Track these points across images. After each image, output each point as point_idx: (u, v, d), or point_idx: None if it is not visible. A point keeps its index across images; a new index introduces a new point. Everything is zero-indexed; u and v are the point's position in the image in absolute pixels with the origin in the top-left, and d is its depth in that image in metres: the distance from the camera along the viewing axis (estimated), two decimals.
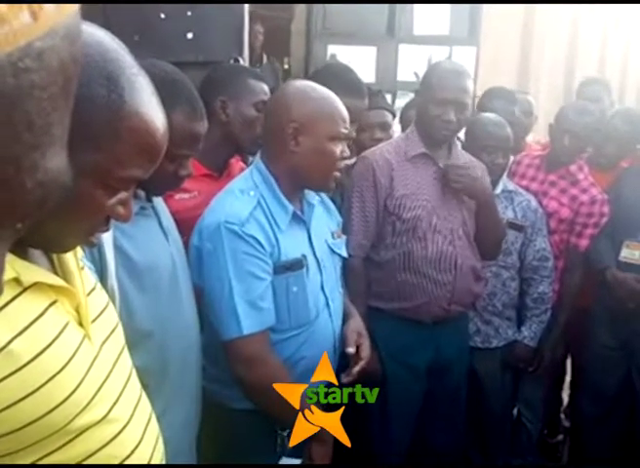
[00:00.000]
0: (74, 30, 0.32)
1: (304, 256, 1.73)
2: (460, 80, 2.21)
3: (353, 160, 2.55)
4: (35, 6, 0.29)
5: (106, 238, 1.28)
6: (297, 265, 1.70)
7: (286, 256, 1.68)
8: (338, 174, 1.74)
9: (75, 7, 0.32)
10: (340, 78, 2.20)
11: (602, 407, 2.78)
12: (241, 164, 2.25)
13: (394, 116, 2.83)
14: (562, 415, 3.37)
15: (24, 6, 0.28)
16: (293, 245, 1.71)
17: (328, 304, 1.81)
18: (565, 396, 3.32)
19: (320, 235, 1.82)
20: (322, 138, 1.68)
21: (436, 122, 2.19)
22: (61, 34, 0.30)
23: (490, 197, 2.35)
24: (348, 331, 1.85)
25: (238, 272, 1.61)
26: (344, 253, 1.95)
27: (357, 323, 1.91)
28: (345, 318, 1.91)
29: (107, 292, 1.27)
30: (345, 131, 1.71)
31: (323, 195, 1.94)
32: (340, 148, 1.70)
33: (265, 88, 2.13)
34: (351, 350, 1.79)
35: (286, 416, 1.60)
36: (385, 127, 2.65)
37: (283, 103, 1.71)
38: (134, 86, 0.79)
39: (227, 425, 1.75)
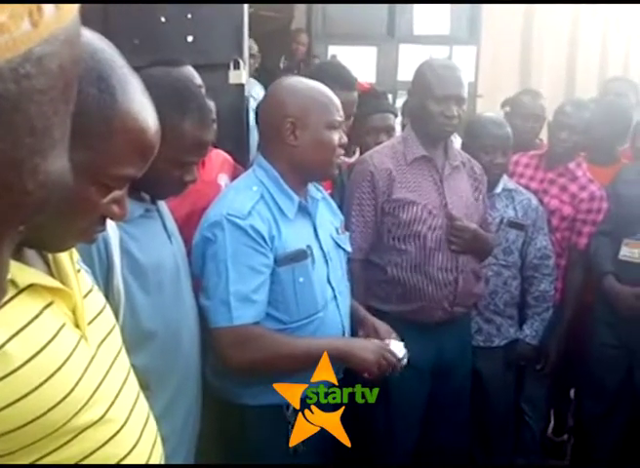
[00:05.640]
0: (74, 35, 0.32)
1: (309, 248, 1.75)
2: (457, 74, 2.25)
3: (354, 158, 2.57)
4: (35, 13, 0.29)
5: (113, 240, 1.30)
6: (301, 256, 1.72)
7: (290, 247, 1.70)
8: (338, 160, 1.79)
9: (75, 12, 0.33)
10: (329, 72, 2.22)
11: (604, 405, 2.77)
12: (221, 153, 2.24)
13: (396, 116, 2.85)
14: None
15: (25, 13, 0.29)
16: (298, 236, 1.74)
17: (335, 296, 1.82)
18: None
19: (325, 229, 1.85)
20: (319, 128, 1.72)
21: (439, 119, 2.19)
22: (61, 39, 0.31)
23: (489, 250, 2.42)
24: (383, 329, 1.88)
25: (236, 264, 1.63)
26: (349, 248, 1.98)
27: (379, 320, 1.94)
28: (360, 316, 1.95)
29: (114, 292, 1.29)
30: (340, 118, 1.76)
31: (325, 193, 1.97)
32: (337, 136, 1.74)
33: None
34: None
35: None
36: (390, 130, 2.67)
37: (276, 101, 1.75)
38: (125, 85, 0.80)
39: (238, 422, 1.76)
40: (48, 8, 0.30)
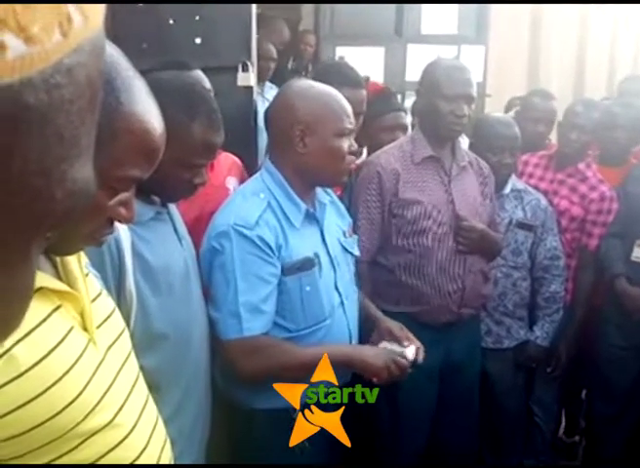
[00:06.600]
0: (100, 45, 0.33)
1: (317, 255, 1.74)
2: (466, 74, 2.24)
3: (361, 159, 2.56)
4: (65, 23, 0.30)
5: (125, 242, 1.30)
6: (308, 264, 1.71)
7: (297, 256, 1.69)
8: (348, 167, 1.77)
9: (100, 21, 0.33)
10: (335, 72, 2.21)
11: (614, 406, 2.76)
12: (229, 156, 2.24)
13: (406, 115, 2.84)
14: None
15: (55, 24, 0.29)
16: (305, 244, 1.72)
17: (342, 302, 1.81)
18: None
19: (332, 234, 1.84)
20: (329, 137, 1.70)
21: (449, 118, 2.18)
22: (88, 50, 0.31)
23: (497, 251, 2.41)
24: (395, 329, 1.85)
25: (245, 274, 1.63)
26: (357, 252, 1.97)
27: (392, 321, 1.91)
28: (371, 318, 1.93)
29: (126, 295, 1.29)
30: (350, 125, 1.73)
31: (333, 196, 1.96)
32: (347, 143, 1.72)
33: None
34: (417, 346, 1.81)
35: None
36: (404, 128, 2.66)
37: (286, 106, 1.72)
38: (129, 88, 0.81)
39: (246, 425, 1.76)
40: (77, 18, 0.30)
